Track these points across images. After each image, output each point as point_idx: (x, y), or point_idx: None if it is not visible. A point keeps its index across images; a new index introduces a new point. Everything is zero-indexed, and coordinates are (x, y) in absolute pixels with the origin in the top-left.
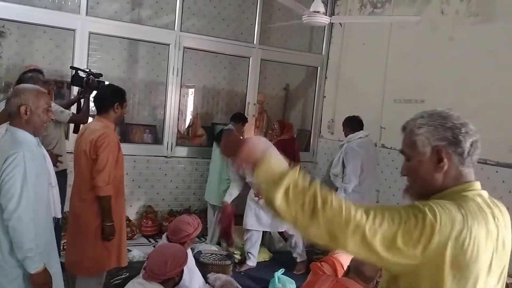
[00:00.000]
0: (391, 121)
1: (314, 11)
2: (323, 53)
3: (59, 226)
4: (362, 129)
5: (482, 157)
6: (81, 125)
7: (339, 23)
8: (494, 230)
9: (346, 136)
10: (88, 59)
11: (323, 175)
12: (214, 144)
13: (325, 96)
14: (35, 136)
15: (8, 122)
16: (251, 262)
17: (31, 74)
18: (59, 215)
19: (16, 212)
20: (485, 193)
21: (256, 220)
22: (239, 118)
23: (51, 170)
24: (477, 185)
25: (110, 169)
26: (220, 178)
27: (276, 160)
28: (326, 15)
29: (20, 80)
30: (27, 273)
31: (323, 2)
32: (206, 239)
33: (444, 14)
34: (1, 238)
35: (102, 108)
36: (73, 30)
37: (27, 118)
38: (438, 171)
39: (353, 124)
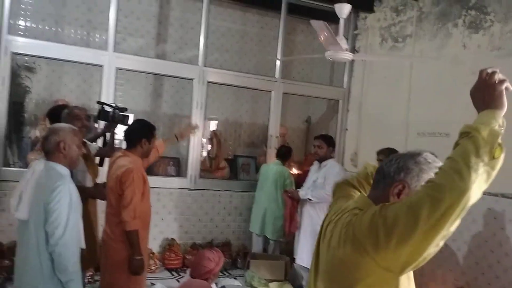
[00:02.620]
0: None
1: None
2: (344, 86)
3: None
4: None
5: (501, 191)
6: (106, 158)
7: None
8: None
9: None
10: (114, 94)
11: None
12: (264, 172)
13: (347, 129)
14: (70, 169)
15: (43, 158)
16: None
17: (67, 111)
18: (83, 246)
19: (63, 238)
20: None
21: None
22: (288, 154)
23: (81, 202)
24: None
25: (135, 204)
26: (273, 212)
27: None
28: (348, 50)
29: (56, 115)
30: None
31: (344, 36)
32: (229, 273)
33: (466, 48)
34: (42, 263)
35: (130, 142)
36: (101, 66)
37: (65, 153)
38: None
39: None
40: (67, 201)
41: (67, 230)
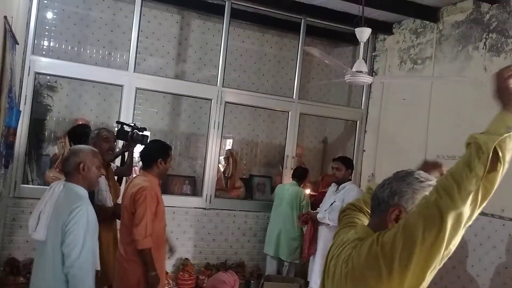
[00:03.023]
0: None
1: (357, 71)
2: (362, 107)
3: (97, 278)
4: None
5: None
6: (125, 178)
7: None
8: None
9: None
10: (133, 113)
11: None
12: (279, 192)
13: (364, 150)
14: (89, 190)
15: (63, 178)
16: None
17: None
18: (99, 267)
19: (78, 260)
20: None
21: None
22: (305, 173)
23: (98, 224)
24: None
25: (147, 222)
26: (288, 233)
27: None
28: (367, 73)
29: (76, 135)
30: None
31: (363, 58)
32: None
33: (487, 71)
34: (57, 284)
35: (146, 162)
36: (121, 86)
37: (84, 174)
38: None
39: None
40: (84, 223)
41: (83, 252)
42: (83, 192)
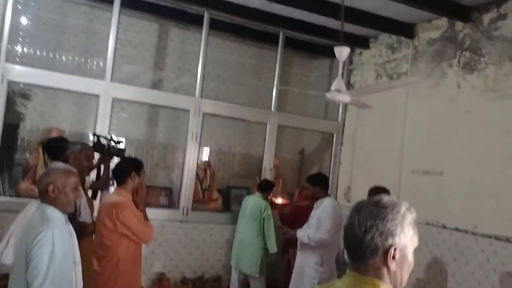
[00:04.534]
0: (409, 192)
1: (336, 90)
2: (339, 120)
3: None
4: None
5: (504, 234)
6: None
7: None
8: None
9: None
10: (110, 123)
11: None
12: (244, 204)
13: (341, 163)
14: (63, 213)
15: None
16: None
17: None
18: None
19: None
20: None
21: None
22: (270, 185)
23: (76, 247)
24: None
25: (141, 224)
26: (249, 246)
27: None
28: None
29: (52, 148)
30: None
31: (342, 73)
32: None
33: (460, 88)
34: None
35: (120, 179)
36: (97, 96)
37: (54, 196)
38: None
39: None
40: (48, 248)
41: (46, 281)
42: (56, 214)
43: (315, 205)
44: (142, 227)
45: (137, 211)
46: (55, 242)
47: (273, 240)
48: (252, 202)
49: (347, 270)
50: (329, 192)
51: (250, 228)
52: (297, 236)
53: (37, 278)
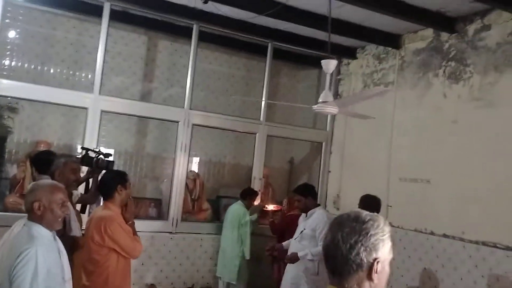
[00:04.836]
0: (397, 200)
1: (323, 101)
2: (327, 129)
3: None
4: (379, 212)
5: (491, 240)
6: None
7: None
8: None
9: None
10: (98, 135)
11: None
12: (227, 213)
13: (330, 171)
14: (50, 230)
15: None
16: None
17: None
18: None
19: None
20: None
21: None
22: (251, 194)
23: (65, 264)
24: None
25: (129, 239)
26: (229, 253)
27: None
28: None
29: (40, 161)
30: None
31: (329, 85)
32: None
33: (446, 97)
34: None
35: (106, 193)
36: (86, 109)
37: (40, 214)
38: None
39: (371, 204)
40: (31, 267)
41: None
42: (42, 232)
43: (305, 215)
44: (130, 242)
45: (125, 226)
46: (38, 260)
47: (247, 246)
48: (233, 210)
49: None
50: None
51: (230, 236)
52: (299, 257)
53: None
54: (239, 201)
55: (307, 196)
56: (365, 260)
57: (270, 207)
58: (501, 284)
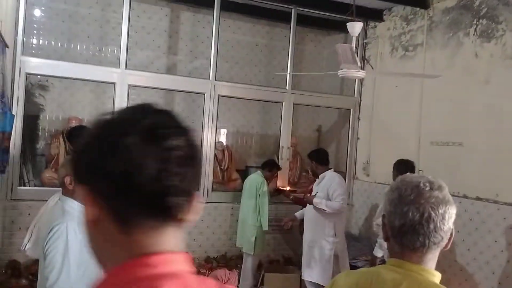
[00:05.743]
0: (429, 165)
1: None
2: (355, 95)
3: None
4: None
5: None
6: None
7: (370, 65)
8: None
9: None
10: None
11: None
12: (246, 182)
13: (359, 138)
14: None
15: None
16: None
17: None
18: None
19: (56, 284)
20: None
21: None
22: (271, 165)
23: None
24: None
25: None
26: (246, 222)
27: None
28: (358, 59)
29: (74, 137)
30: None
31: (356, 47)
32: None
33: (478, 57)
34: None
35: None
36: (113, 84)
37: (72, 188)
38: None
39: (405, 169)
40: (62, 242)
41: (61, 276)
42: (74, 206)
43: (317, 180)
44: None
45: None
46: (69, 236)
47: (265, 217)
48: (251, 179)
49: (389, 259)
50: (346, 168)
51: (247, 206)
52: (313, 202)
53: (52, 273)
54: (259, 171)
55: (316, 160)
56: (451, 228)
57: (286, 188)
58: None
